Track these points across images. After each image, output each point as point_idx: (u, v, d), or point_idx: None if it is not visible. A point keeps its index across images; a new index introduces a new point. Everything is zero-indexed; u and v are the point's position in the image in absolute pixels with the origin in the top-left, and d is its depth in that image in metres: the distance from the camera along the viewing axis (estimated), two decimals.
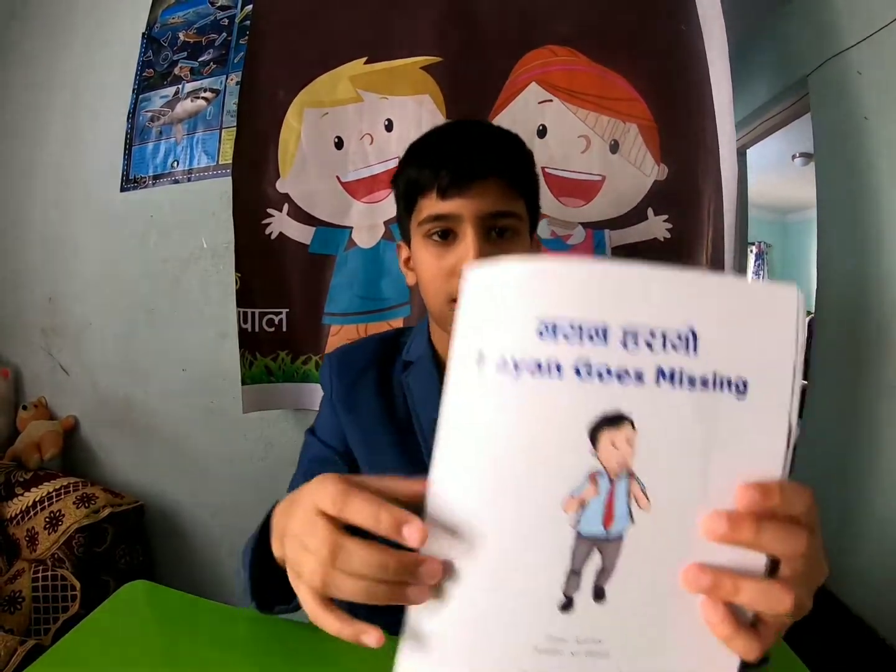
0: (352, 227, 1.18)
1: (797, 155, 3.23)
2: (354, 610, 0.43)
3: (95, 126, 1.46)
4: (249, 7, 1.25)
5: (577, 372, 0.26)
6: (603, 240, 1.12)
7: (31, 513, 1.26)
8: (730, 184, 1.06)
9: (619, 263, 0.26)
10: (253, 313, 1.17)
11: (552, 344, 0.26)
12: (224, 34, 1.32)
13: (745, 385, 0.26)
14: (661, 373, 0.26)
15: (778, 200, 4.56)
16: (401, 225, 0.66)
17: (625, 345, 0.26)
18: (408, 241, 0.65)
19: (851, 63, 1.16)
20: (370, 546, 0.28)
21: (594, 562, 0.27)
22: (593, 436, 0.26)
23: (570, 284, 0.26)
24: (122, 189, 1.40)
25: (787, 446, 0.27)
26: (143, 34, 1.40)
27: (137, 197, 1.38)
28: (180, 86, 1.34)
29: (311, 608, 0.30)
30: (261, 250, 1.17)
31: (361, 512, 0.28)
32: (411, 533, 0.27)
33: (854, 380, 1.17)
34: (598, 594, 0.28)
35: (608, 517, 0.27)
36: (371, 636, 0.29)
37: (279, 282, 1.18)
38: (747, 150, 2.06)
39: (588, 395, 0.26)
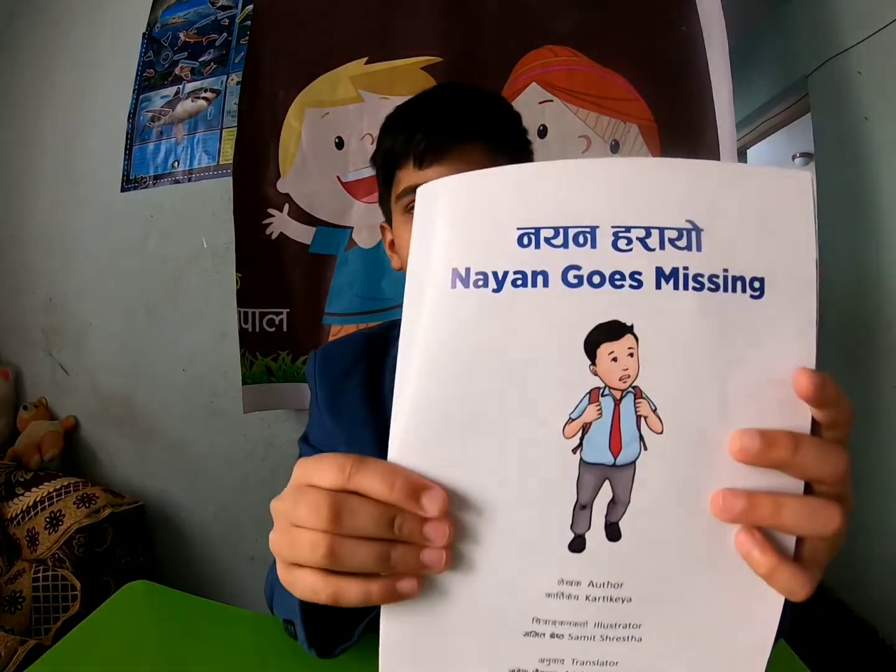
0: (352, 227, 1.18)
1: (797, 155, 3.22)
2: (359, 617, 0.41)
3: (96, 126, 1.46)
4: (250, 7, 1.25)
5: (566, 280, 0.23)
6: None
7: (32, 513, 1.26)
8: None
9: (601, 158, 0.24)
10: (253, 313, 1.17)
11: (535, 252, 0.23)
12: (224, 34, 1.32)
13: (761, 283, 0.23)
14: (661, 273, 0.23)
15: None
16: (382, 204, 0.61)
17: (616, 246, 0.23)
18: (390, 221, 0.60)
19: (851, 63, 1.16)
20: (372, 501, 0.25)
21: (604, 495, 0.24)
22: (590, 350, 0.23)
23: (549, 186, 0.24)
24: (123, 189, 1.40)
25: (815, 356, 0.23)
26: (144, 34, 1.40)
27: (138, 197, 1.38)
28: (181, 86, 1.34)
29: (323, 587, 0.25)
30: (261, 250, 1.17)
31: (374, 477, 0.24)
32: (431, 501, 0.24)
33: (854, 380, 1.17)
34: (612, 532, 0.25)
35: (615, 442, 0.24)
36: (408, 583, 0.25)
37: (280, 282, 1.19)
38: (748, 150, 2.07)
39: (579, 304, 0.23)
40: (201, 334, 1.35)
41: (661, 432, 0.24)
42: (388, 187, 0.58)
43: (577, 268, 0.23)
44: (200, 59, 1.34)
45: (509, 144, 0.55)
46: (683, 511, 0.24)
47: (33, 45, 1.57)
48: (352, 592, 0.25)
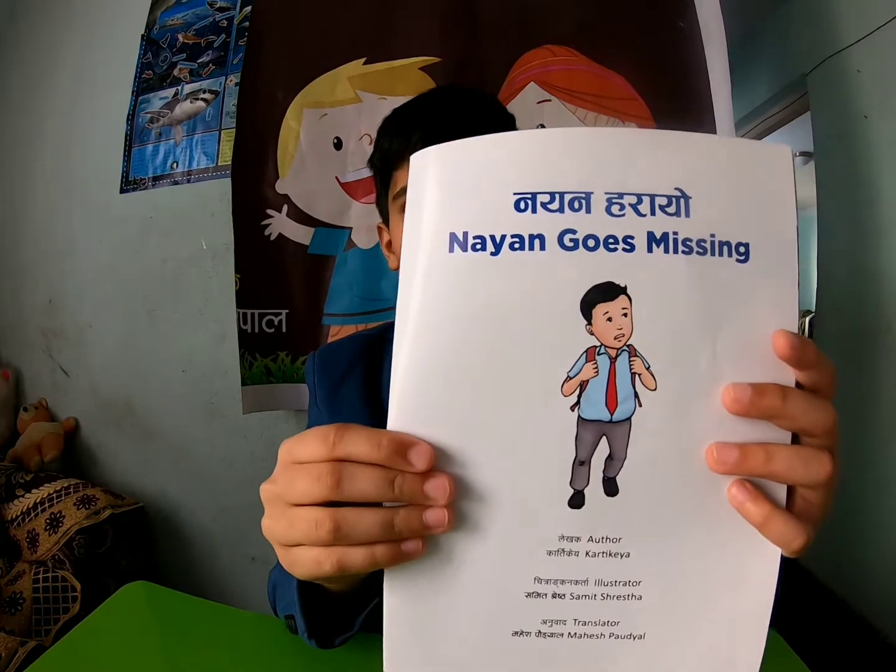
0: (351, 228, 1.18)
1: (797, 154, 3.22)
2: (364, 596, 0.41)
3: (95, 128, 1.46)
4: (248, 8, 1.25)
5: (562, 243, 0.24)
6: None
7: (32, 514, 1.26)
8: None
9: (594, 128, 0.25)
10: (253, 314, 1.17)
11: (532, 216, 0.24)
12: (223, 36, 1.32)
13: (746, 248, 0.24)
14: (652, 238, 0.24)
15: None
16: (379, 204, 0.62)
17: (610, 212, 0.24)
18: (387, 222, 0.61)
19: (851, 62, 1.16)
20: (369, 465, 0.25)
21: (602, 451, 0.25)
22: (586, 310, 0.24)
23: (545, 153, 0.25)
24: (122, 191, 1.40)
25: (797, 317, 0.24)
26: (142, 36, 1.40)
27: (137, 198, 1.38)
28: (179, 87, 1.34)
29: (327, 556, 0.25)
30: (260, 251, 1.17)
31: (359, 440, 0.25)
32: (417, 456, 0.24)
33: (854, 380, 1.16)
34: (610, 487, 0.25)
35: (611, 398, 0.25)
36: (413, 542, 0.25)
37: (279, 282, 1.18)
38: None
39: (575, 266, 0.24)
40: (201, 335, 1.35)
41: (655, 389, 0.25)
42: (385, 188, 0.58)
43: (573, 232, 0.24)
44: (199, 61, 1.33)
45: None
46: (678, 465, 0.25)
47: (33, 46, 1.58)
48: (357, 557, 0.25)
